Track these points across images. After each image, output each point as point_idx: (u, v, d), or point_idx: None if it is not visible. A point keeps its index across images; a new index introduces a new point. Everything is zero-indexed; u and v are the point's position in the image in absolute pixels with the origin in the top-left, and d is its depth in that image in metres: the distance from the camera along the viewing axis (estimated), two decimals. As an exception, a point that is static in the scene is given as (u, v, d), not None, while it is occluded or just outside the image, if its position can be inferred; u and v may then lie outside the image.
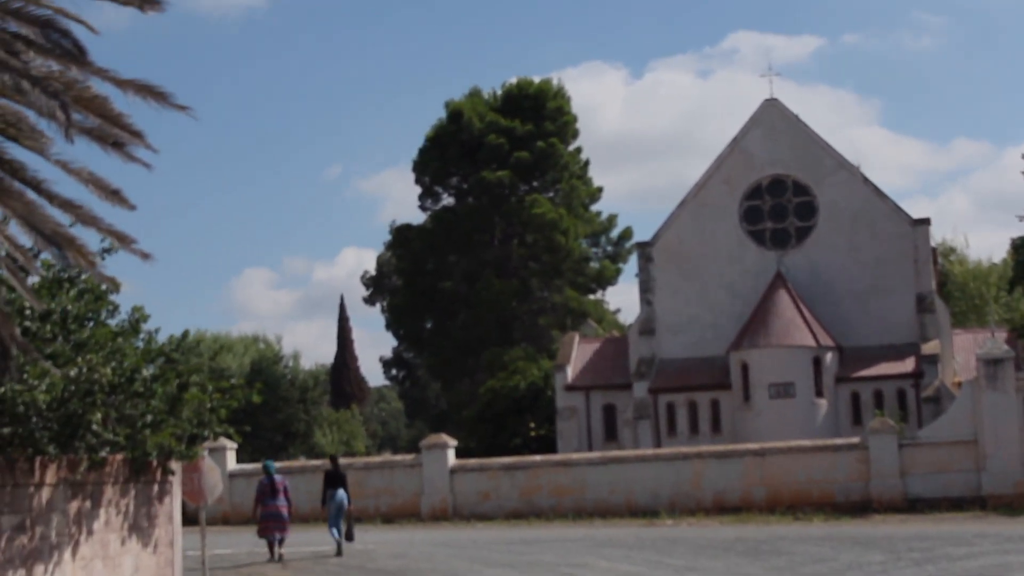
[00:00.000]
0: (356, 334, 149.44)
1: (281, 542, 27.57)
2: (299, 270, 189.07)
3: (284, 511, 27.74)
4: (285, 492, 28.09)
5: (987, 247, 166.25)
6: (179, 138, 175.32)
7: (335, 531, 28.64)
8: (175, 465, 18.91)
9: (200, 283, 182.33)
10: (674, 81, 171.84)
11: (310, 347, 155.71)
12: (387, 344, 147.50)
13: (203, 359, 70.75)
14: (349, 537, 28.88)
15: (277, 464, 32.83)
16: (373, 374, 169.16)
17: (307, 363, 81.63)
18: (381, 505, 40.41)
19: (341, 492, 29.24)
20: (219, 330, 77.68)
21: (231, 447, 42.46)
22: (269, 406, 73.08)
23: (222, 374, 69.84)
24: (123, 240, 13.18)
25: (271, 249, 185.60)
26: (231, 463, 42.36)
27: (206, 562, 23.32)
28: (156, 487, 18.62)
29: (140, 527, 18.16)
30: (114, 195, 12.90)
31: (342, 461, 35.46)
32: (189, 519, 25.08)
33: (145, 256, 13.17)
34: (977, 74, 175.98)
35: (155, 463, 18.07)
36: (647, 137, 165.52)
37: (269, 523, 27.55)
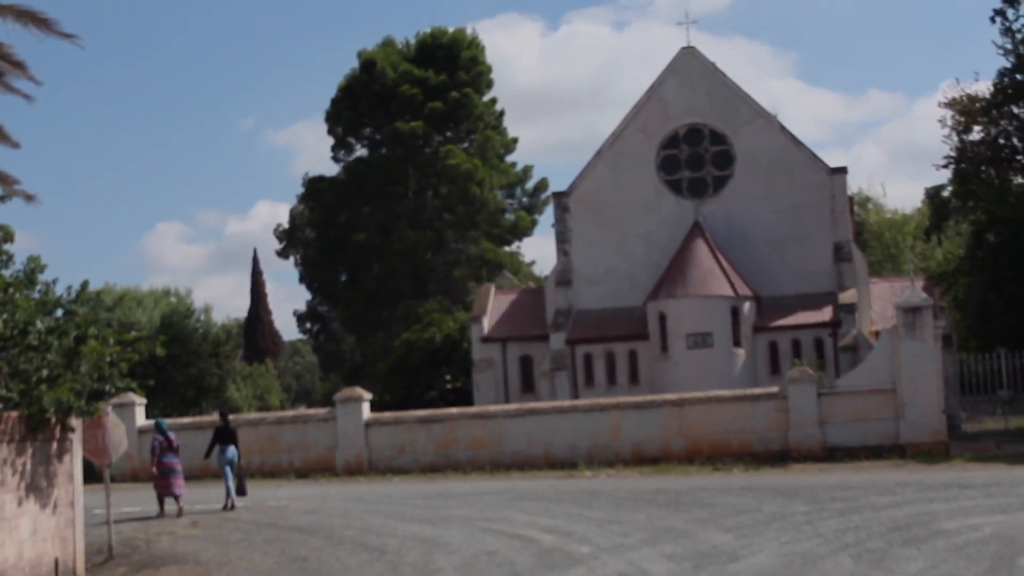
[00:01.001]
0: (270, 288, 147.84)
1: (179, 498, 28.03)
2: (212, 224, 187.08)
3: (180, 467, 28.44)
4: (175, 449, 28.65)
5: (899, 198, 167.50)
6: (93, 93, 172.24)
7: (231, 487, 29.09)
8: (75, 422, 18.06)
9: (112, 238, 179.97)
10: (590, 32, 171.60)
11: (224, 301, 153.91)
12: (301, 298, 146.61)
13: (112, 313, 69.59)
14: (241, 492, 29.27)
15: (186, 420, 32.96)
16: (288, 328, 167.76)
17: (221, 317, 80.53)
18: (295, 460, 39.67)
19: (232, 448, 29.74)
20: (131, 285, 76.07)
21: (140, 402, 41.39)
22: (181, 361, 71.74)
23: (131, 327, 68.78)
24: (4, 181, 12.33)
25: (184, 203, 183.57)
26: (140, 419, 41.24)
27: (111, 521, 22.48)
28: (55, 445, 17.76)
29: (38, 487, 17.30)
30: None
31: (251, 415, 35.07)
32: (96, 477, 24.28)
33: (29, 197, 12.39)
34: (892, 25, 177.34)
35: (53, 420, 17.21)
36: (563, 89, 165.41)
37: (169, 479, 27.99)
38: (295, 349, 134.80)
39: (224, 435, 30.03)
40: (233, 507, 28.47)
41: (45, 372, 15.99)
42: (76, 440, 18.34)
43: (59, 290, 17.64)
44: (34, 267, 17.43)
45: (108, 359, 17.07)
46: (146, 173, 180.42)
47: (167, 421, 31.40)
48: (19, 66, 11.51)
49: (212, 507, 28.66)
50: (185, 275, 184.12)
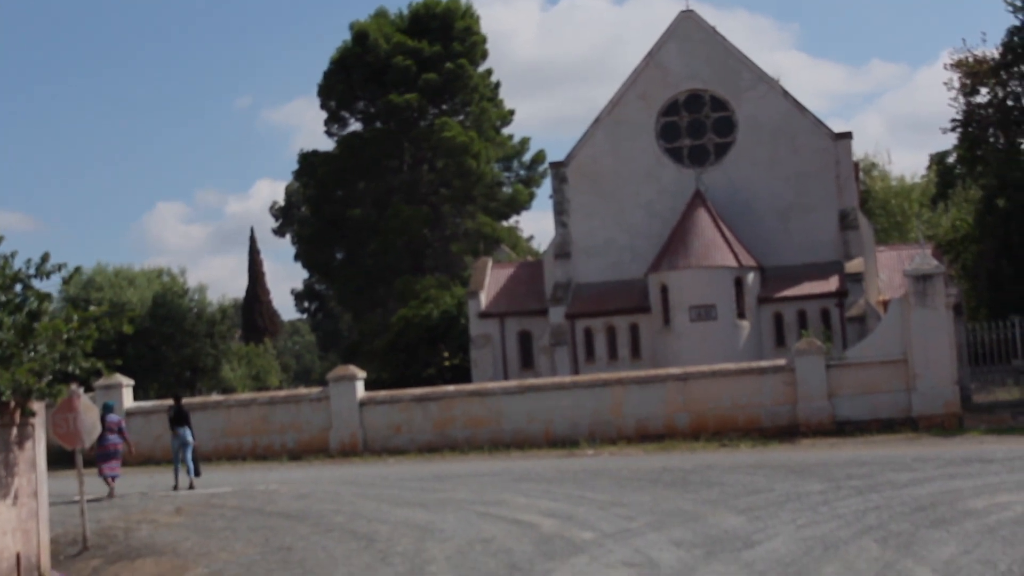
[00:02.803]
0: (269, 267, 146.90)
1: (112, 479, 28.78)
2: (212, 203, 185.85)
3: (120, 449, 29.16)
4: (121, 431, 29.30)
5: (901, 168, 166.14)
6: (92, 75, 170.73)
7: (190, 466, 29.95)
8: (37, 406, 16.77)
9: (113, 219, 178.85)
10: (590, 6, 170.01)
11: (224, 281, 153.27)
12: (300, 276, 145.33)
13: (103, 293, 68.35)
14: (196, 472, 30.04)
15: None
16: (287, 308, 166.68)
17: (221, 297, 79.06)
18: (288, 441, 38.54)
19: (186, 430, 30.43)
20: (124, 264, 74.54)
21: (127, 384, 40.30)
22: (175, 340, 70.76)
23: (122, 308, 67.50)
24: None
25: (184, 183, 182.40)
26: (128, 400, 40.11)
27: (85, 510, 21.23)
28: (15, 431, 16.45)
29: (-5, 477, 16.03)
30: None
31: (242, 396, 34.33)
32: (71, 462, 23.20)
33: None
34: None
35: (12, 404, 15.92)
36: (563, 63, 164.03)
37: (106, 461, 28.77)
38: (295, 328, 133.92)
39: (178, 417, 30.65)
40: (192, 487, 29.17)
41: (-2, 351, 14.71)
42: (39, 425, 17.05)
43: (18, 263, 16.34)
44: (-14, 239, 16.11)
45: (66, 336, 15.75)
46: (146, 154, 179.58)
47: (114, 403, 31.74)
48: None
49: (215, 491, 27.88)
50: (185, 255, 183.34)
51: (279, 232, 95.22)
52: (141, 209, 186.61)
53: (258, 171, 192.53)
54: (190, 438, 30.35)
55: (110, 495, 28.18)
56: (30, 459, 16.81)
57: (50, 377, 16.09)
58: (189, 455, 30.03)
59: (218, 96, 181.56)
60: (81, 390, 20.21)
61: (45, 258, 16.59)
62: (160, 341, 68.99)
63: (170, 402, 33.21)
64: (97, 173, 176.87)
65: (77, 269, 16.61)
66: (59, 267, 16.35)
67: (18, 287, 16.16)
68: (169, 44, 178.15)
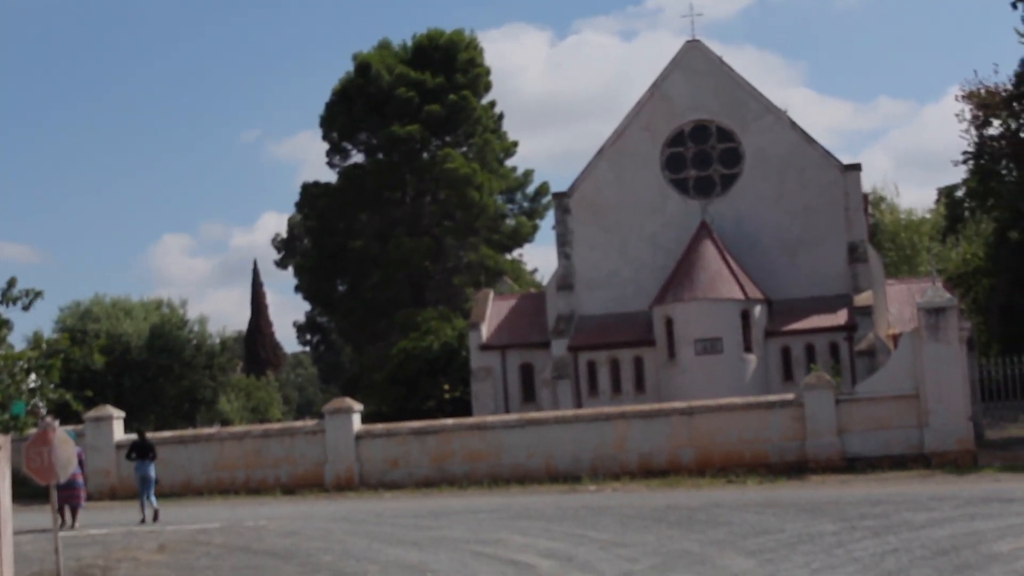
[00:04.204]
0: (273, 299, 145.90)
1: (75, 510, 28.85)
2: (217, 236, 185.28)
3: (81, 479, 29.02)
4: (81, 463, 28.43)
5: (908, 204, 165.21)
6: (99, 105, 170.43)
7: (149, 499, 29.87)
8: (1, 439, 15.76)
9: (117, 251, 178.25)
10: (598, 42, 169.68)
11: (228, 314, 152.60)
12: (303, 309, 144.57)
13: (100, 325, 67.48)
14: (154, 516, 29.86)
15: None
16: (289, 340, 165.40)
17: (221, 329, 78.19)
18: (282, 475, 37.46)
19: (148, 464, 30.49)
20: (129, 296, 73.79)
21: (118, 416, 39.37)
22: (173, 372, 69.97)
23: (117, 339, 66.62)
24: None
25: (189, 216, 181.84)
26: (118, 433, 39.06)
27: (60, 549, 20.18)
28: (-25, 466, 15.43)
29: (-46, 515, 14.99)
30: None
31: (235, 429, 33.59)
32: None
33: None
34: (902, 30, 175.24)
35: (-30, 437, 14.92)
36: (570, 99, 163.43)
37: (68, 491, 28.07)
38: (298, 361, 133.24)
39: (141, 450, 30.76)
40: (156, 518, 29.27)
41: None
42: (3, 458, 16.00)
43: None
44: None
45: (25, 365, 14.76)
46: (151, 186, 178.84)
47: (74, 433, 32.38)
48: None
49: (203, 527, 26.91)
50: (190, 288, 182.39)
51: (281, 264, 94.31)
52: (146, 241, 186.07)
53: (264, 204, 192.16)
54: (152, 473, 30.37)
55: (72, 526, 28.23)
56: (-6, 495, 15.75)
57: (21, 408, 15.09)
58: (152, 490, 30.08)
59: (225, 129, 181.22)
60: (56, 423, 19.23)
61: (11, 283, 15.64)
62: (157, 373, 68.19)
63: (133, 436, 33.03)
64: (103, 205, 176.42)
65: (39, 293, 15.59)
66: (28, 292, 15.40)
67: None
68: (178, 75, 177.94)
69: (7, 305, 15.20)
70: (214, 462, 38.18)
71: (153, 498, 29.94)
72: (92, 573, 21.28)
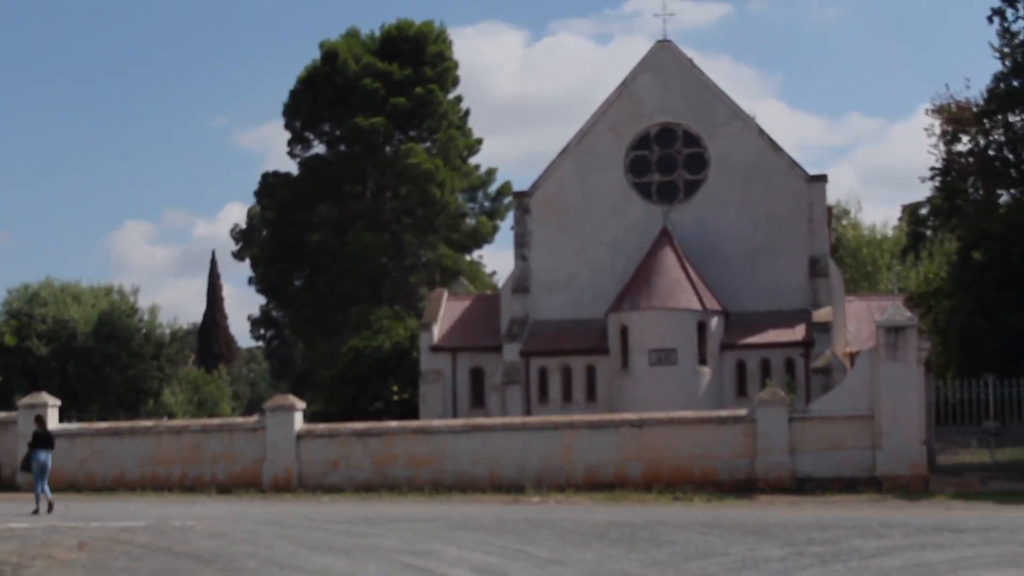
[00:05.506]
0: (230, 292, 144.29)
1: None
2: (180, 225, 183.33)
3: None
4: None
5: (872, 221, 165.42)
6: (72, 88, 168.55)
7: (44, 490, 29.28)
8: None
9: (80, 234, 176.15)
10: (573, 45, 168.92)
11: (187, 304, 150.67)
12: (259, 302, 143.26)
13: (46, 309, 66.05)
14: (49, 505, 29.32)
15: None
16: (244, 334, 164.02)
17: (172, 320, 76.64)
18: (218, 473, 36.30)
19: (46, 453, 29.80)
20: (78, 281, 72.22)
21: (53, 404, 38.00)
22: (120, 361, 68.57)
23: (64, 324, 65.29)
24: None
25: (152, 202, 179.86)
26: (53, 421, 37.67)
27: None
28: None
29: None
30: None
31: (174, 423, 32.49)
32: (5, 486, 21.25)
33: None
34: (878, 48, 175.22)
35: None
36: (542, 101, 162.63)
37: None
38: (252, 356, 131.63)
39: (42, 440, 30.05)
40: (51, 509, 28.76)
41: None
42: None
43: None
44: None
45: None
46: (116, 172, 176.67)
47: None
48: None
49: (128, 524, 25.56)
50: (150, 277, 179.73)
51: (239, 256, 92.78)
52: (108, 227, 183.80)
53: (228, 194, 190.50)
54: (49, 463, 29.74)
55: None
56: None
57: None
58: (46, 481, 29.45)
59: (192, 116, 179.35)
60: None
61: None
62: (104, 361, 66.83)
63: (33, 425, 31.71)
64: (66, 188, 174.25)
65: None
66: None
67: None
68: (147, 60, 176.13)
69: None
70: (150, 456, 36.92)
71: (47, 488, 29.34)
72: (2, 571, 20.24)
